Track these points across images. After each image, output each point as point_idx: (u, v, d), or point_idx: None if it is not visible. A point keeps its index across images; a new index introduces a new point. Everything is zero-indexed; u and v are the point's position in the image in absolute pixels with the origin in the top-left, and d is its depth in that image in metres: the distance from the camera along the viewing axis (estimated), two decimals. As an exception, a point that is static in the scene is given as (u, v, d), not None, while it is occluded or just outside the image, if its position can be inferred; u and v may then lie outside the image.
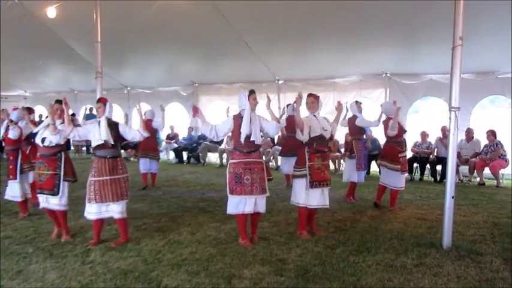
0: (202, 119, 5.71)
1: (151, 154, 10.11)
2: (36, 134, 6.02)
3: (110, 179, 5.51)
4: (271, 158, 13.96)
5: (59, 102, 5.87)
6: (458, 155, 10.45)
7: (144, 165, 10.08)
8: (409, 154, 11.77)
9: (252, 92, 5.53)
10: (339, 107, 6.40)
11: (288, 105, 9.79)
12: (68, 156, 6.04)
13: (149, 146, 9.86)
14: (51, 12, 10.59)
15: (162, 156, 15.38)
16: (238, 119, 5.50)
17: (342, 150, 12.37)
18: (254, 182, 5.45)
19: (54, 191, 5.77)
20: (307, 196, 5.87)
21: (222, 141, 14.39)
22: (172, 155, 16.18)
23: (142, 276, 4.50)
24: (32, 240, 5.79)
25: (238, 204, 5.50)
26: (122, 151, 8.84)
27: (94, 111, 14.55)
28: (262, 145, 13.44)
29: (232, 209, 5.55)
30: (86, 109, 18.29)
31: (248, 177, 5.44)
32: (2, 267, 4.78)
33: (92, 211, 5.53)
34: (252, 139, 5.44)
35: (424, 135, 11.82)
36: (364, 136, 8.86)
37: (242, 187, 5.43)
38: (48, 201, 5.85)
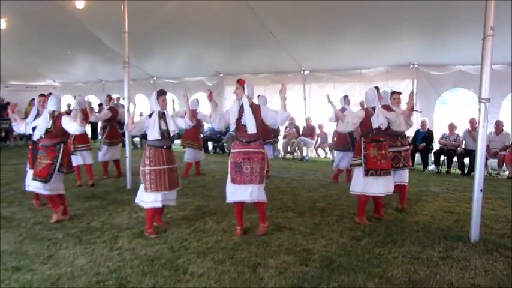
0: (213, 108, 5.84)
1: (196, 144, 10.30)
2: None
3: (167, 168, 5.64)
4: (296, 148, 13.93)
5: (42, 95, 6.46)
6: (487, 148, 10.25)
7: (190, 154, 10.26)
8: (436, 146, 11.66)
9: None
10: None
11: (345, 97, 9.82)
12: (66, 148, 6.35)
13: (192, 135, 10.11)
14: (80, 3, 10.74)
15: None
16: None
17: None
18: (253, 172, 5.48)
19: (47, 179, 6.07)
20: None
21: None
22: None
23: (168, 263, 4.58)
24: (61, 226, 5.93)
25: (235, 193, 5.56)
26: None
27: (121, 101, 14.69)
28: (287, 135, 13.58)
29: (230, 197, 5.62)
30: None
31: (247, 166, 5.48)
32: (34, 252, 4.92)
33: (148, 200, 5.61)
34: (248, 130, 5.49)
35: (451, 127, 11.62)
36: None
37: (242, 176, 5.48)
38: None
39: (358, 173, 6.14)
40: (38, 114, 6.79)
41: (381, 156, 6.01)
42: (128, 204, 7.10)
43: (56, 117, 6.17)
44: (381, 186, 6.03)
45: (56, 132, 6.14)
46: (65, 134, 6.34)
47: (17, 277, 4.23)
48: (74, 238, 5.43)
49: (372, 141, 6.01)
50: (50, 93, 6.66)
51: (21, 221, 6.18)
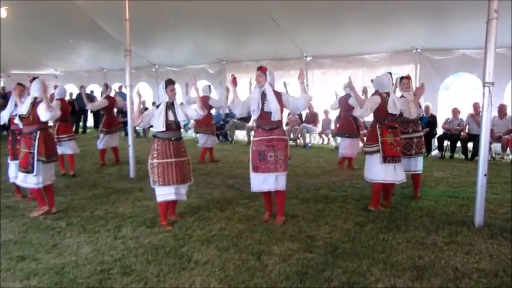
0: (235, 94, 5.69)
1: (209, 130, 10.48)
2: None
3: (175, 162, 5.41)
4: (299, 135, 13.91)
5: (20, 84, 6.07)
6: (491, 132, 10.16)
7: (202, 139, 10.52)
8: (439, 131, 11.62)
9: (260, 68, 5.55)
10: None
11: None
12: (46, 135, 5.99)
13: (205, 122, 10.13)
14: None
15: (189, 133, 15.49)
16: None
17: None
18: (278, 160, 5.42)
19: (28, 169, 5.79)
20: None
21: (249, 118, 14.38)
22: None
23: (173, 252, 4.58)
24: (65, 215, 5.93)
25: (263, 182, 5.51)
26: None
27: (124, 90, 14.69)
28: (290, 122, 13.55)
29: (256, 187, 5.58)
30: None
31: (272, 154, 5.41)
32: (38, 242, 4.93)
33: (160, 193, 5.45)
34: (273, 117, 5.42)
35: (455, 111, 11.57)
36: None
37: (266, 164, 5.41)
38: (25, 180, 5.92)
39: (373, 160, 6.00)
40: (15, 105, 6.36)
41: (396, 142, 5.92)
42: (131, 193, 7.13)
43: (35, 104, 5.81)
44: (398, 173, 5.96)
45: (33, 119, 5.78)
46: (44, 121, 5.91)
47: (21, 266, 4.24)
48: (78, 227, 5.43)
49: (388, 127, 5.91)
50: (34, 78, 6.10)
51: (25, 210, 6.19)
